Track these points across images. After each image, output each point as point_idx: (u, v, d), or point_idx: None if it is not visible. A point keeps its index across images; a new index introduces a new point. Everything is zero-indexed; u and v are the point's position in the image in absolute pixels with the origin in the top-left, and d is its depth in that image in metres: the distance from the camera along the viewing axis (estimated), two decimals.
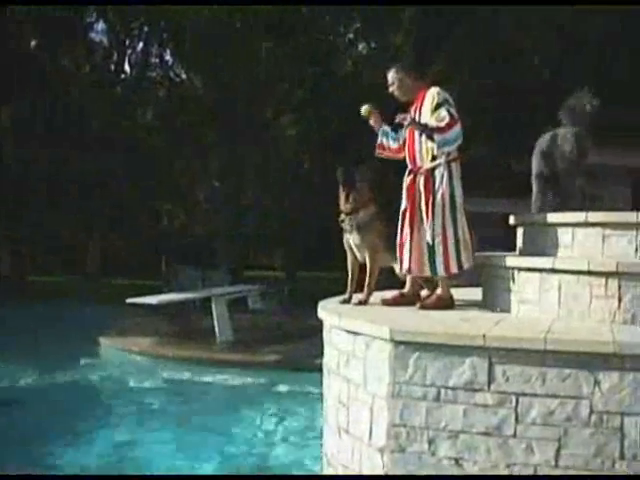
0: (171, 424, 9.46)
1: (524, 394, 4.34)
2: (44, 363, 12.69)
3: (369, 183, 6.43)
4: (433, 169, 5.81)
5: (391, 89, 6.16)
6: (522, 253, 6.30)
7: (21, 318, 17.81)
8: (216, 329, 13.66)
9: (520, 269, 5.49)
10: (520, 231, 6.52)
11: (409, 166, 6.06)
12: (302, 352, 12.05)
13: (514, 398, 4.35)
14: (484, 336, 4.43)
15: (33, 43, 24.81)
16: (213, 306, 13.75)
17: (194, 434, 8.90)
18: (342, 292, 6.39)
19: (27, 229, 24.22)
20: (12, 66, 22.37)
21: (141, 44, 26.18)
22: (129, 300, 14.13)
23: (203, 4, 21.71)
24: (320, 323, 5.93)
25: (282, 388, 11.03)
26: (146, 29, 25.48)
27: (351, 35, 25.48)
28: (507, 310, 5.60)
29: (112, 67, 26.33)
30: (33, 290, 23.09)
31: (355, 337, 4.99)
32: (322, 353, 5.92)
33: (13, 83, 22.70)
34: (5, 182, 23.41)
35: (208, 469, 7.56)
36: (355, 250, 6.30)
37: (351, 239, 6.28)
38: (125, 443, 8.61)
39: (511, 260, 5.65)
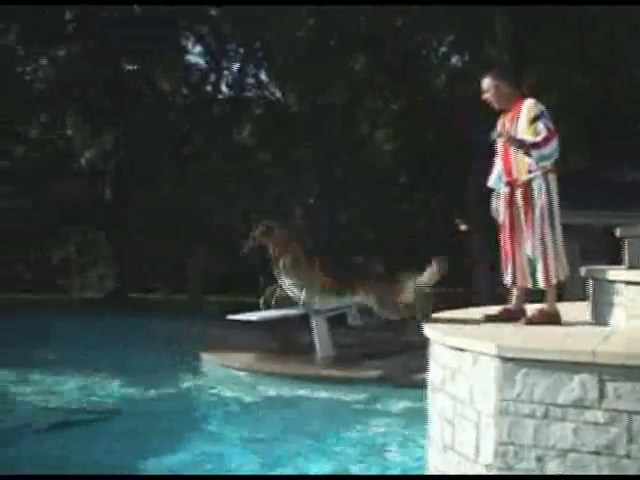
0: (270, 439, 9.54)
1: (637, 412, 4.20)
2: (145, 377, 13.03)
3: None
4: (530, 181, 5.73)
5: (486, 96, 6.07)
6: (631, 266, 6.12)
7: (124, 332, 18.28)
8: (316, 345, 13.71)
9: (629, 283, 5.33)
10: (627, 243, 6.33)
11: (505, 178, 5.98)
12: (403, 368, 11.97)
13: (626, 416, 4.21)
14: (593, 352, 4.31)
15: (128, 68, 25.56)
16: (313, 322, 13.80)
17: (295, 449, 8.95)
18: (442, 307, 6.35)
19: (131, 248, 24.93)
20: (110, 91, 23.20)
21: (237, 64, 26.67)
22: (229, 316, 14.35)
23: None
24: (421, 338, 5.89)
25: (384, 404, 10.99)
26: (242, 50, 25.95)
27: (444, 48, 25.36)
28: (615, 325, 5.44)
29: (209, 88, 26.87)
30: (135, 306, 23.71)
31: (461, 353, 4.92)
32: (424, 369, 5.87)
33: (112, 107, 23.47)
34: (108, 203, 24.25)
35: None
36: None
37: None
38: (221, 455, 8.74)
39: (619, 273, 5.50)
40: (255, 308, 15.91)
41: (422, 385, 6.03)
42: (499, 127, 5.97)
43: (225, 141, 25.75)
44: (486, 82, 6.08)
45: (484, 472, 4.60)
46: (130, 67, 25.51)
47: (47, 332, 18.14)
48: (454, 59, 25.99)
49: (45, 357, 15.09)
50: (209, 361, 14.42)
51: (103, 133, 24.05)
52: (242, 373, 13.46)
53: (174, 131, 24.70)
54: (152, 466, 7.94)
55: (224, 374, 13.55)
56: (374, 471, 7.97)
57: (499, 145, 6.04)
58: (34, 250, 26.09)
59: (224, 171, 23.60)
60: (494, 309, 6.22)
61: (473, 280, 20.64)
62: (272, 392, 12.17)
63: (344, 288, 6.40)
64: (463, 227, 21.52)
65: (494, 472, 4.52)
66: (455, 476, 4.83)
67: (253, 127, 26.52)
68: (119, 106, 23.44)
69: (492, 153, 6.22)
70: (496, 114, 6.13)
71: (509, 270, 5.90)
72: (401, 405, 10.67)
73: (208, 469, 8.15)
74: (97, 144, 24.04)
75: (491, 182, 6.27)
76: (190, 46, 26.50)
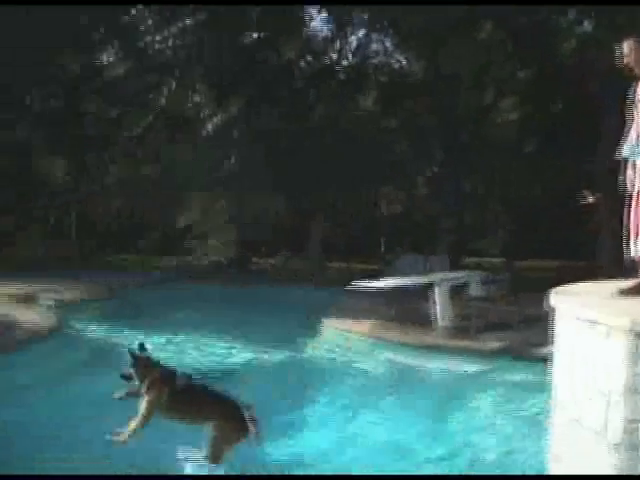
0: (388, 406, 9.57)
1: None
2: (266, 341, 13.28)
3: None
4: None
5: (626, 60, 5.79)
6: None
7: (245, 297, 18.68)
8: (437, 314, 13.63)
9: None
10: None
11: None
12: (524, 340, 11.75)
13: None
14: None
15: (254, 36, 25.76)
16: (435, 291, 13.71)
17: (412, 417, 8.96)
18: (562, 281, 6.18)
19: (252, 213, 25.32)
20: (235, 61, 23.50)
21: (362, 31, 26.47)
22: (352, 284, 14.43)
23: None
24: (543, 312, 5.72)
25: (504, 376, 10.84)
26: (366, 17, 25.72)
27: (574, 14, 24.35)
28: None
29: (333, 55, 26.82)
30: (256, 272, 24.18)
31: (591, 327, 4.76)
32: (545, 342, 5.72)
33: (238, 77, 23.79)
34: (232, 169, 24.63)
35: (421, 451, 7.56)
36: None
37: None
38: (340, 420, 8.83)
39: None
40: (376, 276, 16.07)
41: (543, 358, 5.89)
42: (634, 93, 5.71)
43: (350, 108, 25.73)
44: (627, 45, 5.81)
45: (611, 451, 4.46)
46: (255, 35, 25.72)
47: (171, 297, 18.83)
48: (585, 23, 24.93)
49: (168, 321, 15.62)
50: (330, 327, 14.57)
51: (230, 99, 24.39)
52: (361, 339, 13.54)
53: (299, 98, 24.87)
54: (275, 423, 8.05)
55: (344, 340, 13.66)
56: (486, 443, 7.90)
57: (634, 112, 5.78)
58: (160, 215, 26.84)
59: (348, 137, 23.58)
60: (627, 283, 5.98)
61: (597, 253, 19.94)
62: (391, 359, 12.20)
63: None
64: (591, 198, 20.76)
65: (622, 450, 4.38)
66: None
67: (378, 94, 26.35)
68: (245, 74, 23.75)
69: (624, 121, 5.96)
70: (628, 80, 5.87)
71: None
72: (520, 377, 10.48)
73: (323, 432, 8.27)
74: (223, 111, 24.41)
75: (625, 151, 6.01)
76: (315, 13, 26.47)
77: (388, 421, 8.91)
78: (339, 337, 13.90)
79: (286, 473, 6.22)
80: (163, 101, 25.13)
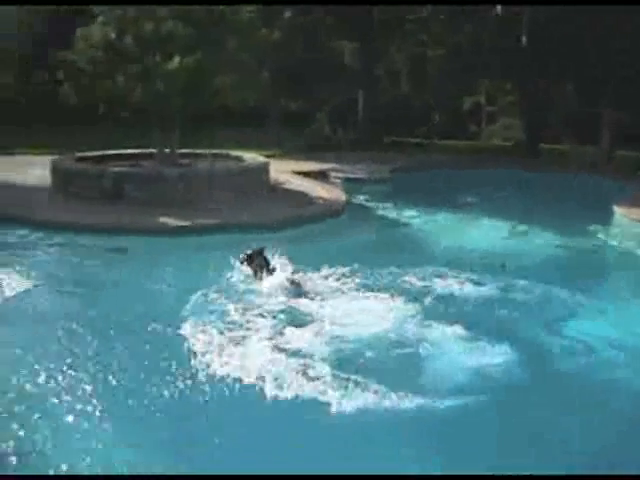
0: None
1: None
2: (553, 229, 12.95)
3: None
4: None
5: None
6: None
7: (530, 183, 18.26)
8: None
9: None
10: None
11: None
12: None
13: None
14: None
15: None
16: None
17: None
18: None
19: (541, 99, 24.36)
20: None
21: None
22: None
23: None
24: None
25: None
26: None
27: None
28: None
29: None
30: (543, 157, 23.36)
31: None
32: None
33: None
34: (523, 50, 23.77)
35: None
36: None
37: None
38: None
39: None
40: None
41: None
42: None
43: None
44: None
45: None
46: None
47: (455, 179, 18.88)
48: None
49: (454, 204, 15.79)
50: (621, 216, 13.92)
51: None
52: None
53: None
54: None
55: (637, 231, 13.02)
56: None
57: None
58: (446, 96, 26.62)
59: None
60: None
61: None
62: None
63: None
64: None
65: None
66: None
67: None
68: None
69: None
70: None
71: None
72: None
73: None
74: None
75: None
76: None
77: None
78: (632, 227, 13.26)
79: None
80: None
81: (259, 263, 8.71)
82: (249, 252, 8.77)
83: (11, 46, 23.99)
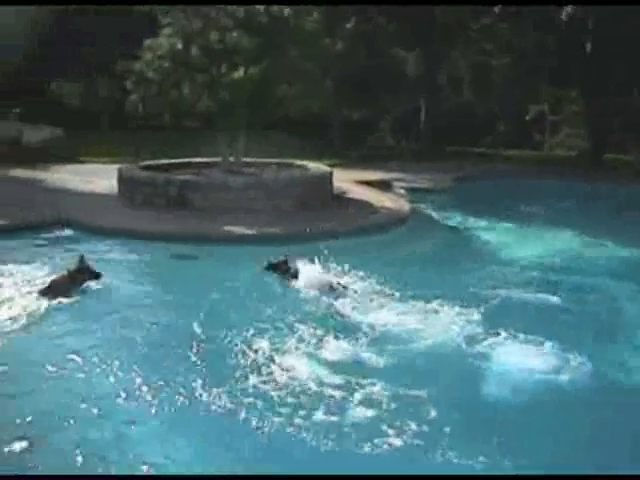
0: None
1: None
2: (622, 240, 12.62)
3: None
4: None
5: None
6: None
7: (598, 194, 17.93)
8: None
9: None
10: None
11: None
12: None
13: None
14: None
15: None
16: None
17: None
18: None
19: (606, 105, 23.91)
20: None
21: None
22: None
23: None
24: None
25: None
26: None
27: None
28: None
29: None
30: (608, 167, 22.86)
31: None
32: None
33: None
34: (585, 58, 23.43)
35: None
36: None
37: None
38: None
39: None
40: None
41: None
42: None
43: None
44: None
45: None
46: None
47: (519, 188, 18.63)
48: None
49: (514, 214, 15.54)
50: None
51: None
52: None
53: None
54: None
55: None
56: None
57: None
58: (510, 105, 26.30)
59: None
60: None
61: None
62: None
63: None
64: None
65: None
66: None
67: None
68: None
69: None
70: None
71: None
72: None
73: None
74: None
75: None
76: None
77: None
78: None
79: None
80: None
81: (286, 269, 9.47)
82: (274, 261, 9.58)
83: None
